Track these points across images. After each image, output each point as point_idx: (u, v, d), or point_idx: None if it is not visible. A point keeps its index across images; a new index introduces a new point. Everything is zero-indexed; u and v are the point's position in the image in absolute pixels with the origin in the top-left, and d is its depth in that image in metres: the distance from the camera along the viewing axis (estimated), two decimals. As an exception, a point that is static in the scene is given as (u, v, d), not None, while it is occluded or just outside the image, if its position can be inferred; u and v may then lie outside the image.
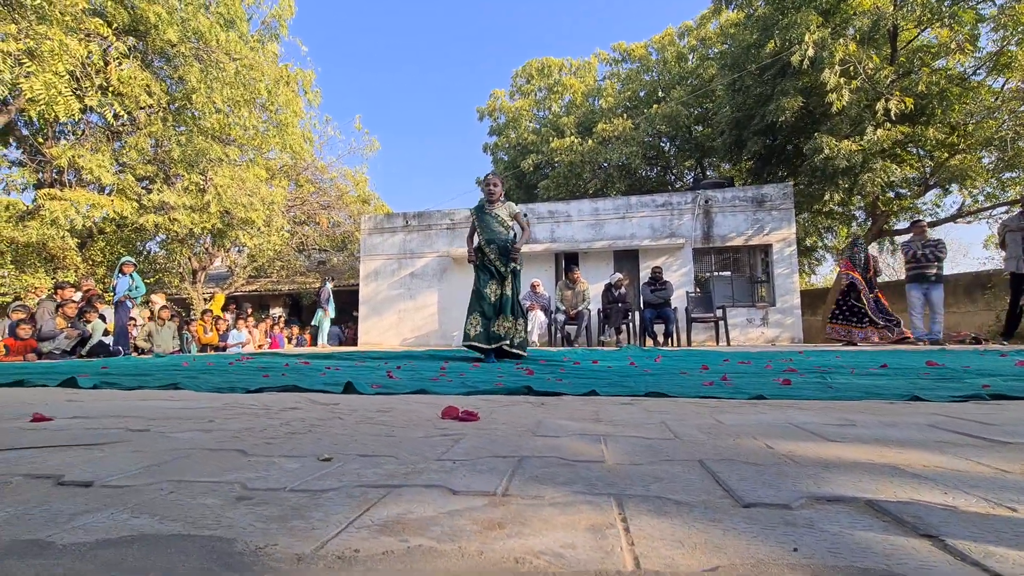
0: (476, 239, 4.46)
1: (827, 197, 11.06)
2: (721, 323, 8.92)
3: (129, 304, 7.40)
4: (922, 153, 12.12)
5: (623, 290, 9.15)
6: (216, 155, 9.98)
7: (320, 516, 0.58)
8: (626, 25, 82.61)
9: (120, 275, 7.54)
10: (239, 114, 10.17)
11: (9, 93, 7.32)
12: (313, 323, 11.34)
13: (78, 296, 7.76)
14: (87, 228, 9.59)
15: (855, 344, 7.21)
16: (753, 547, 0.48)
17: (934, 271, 7.29)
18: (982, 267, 13.70)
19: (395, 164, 71.97)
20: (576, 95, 19.83)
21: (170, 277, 14.07)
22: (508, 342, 4.16)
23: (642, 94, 18.24)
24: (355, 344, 12.86)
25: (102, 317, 7.46)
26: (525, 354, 4.30)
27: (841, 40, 9.81)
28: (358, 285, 12.39)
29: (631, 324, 9.32)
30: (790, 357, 4.43)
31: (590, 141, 15.95)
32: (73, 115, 7.46)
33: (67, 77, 7.13)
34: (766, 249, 10.20)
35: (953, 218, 13.16)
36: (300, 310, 18.39)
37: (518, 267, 4.36)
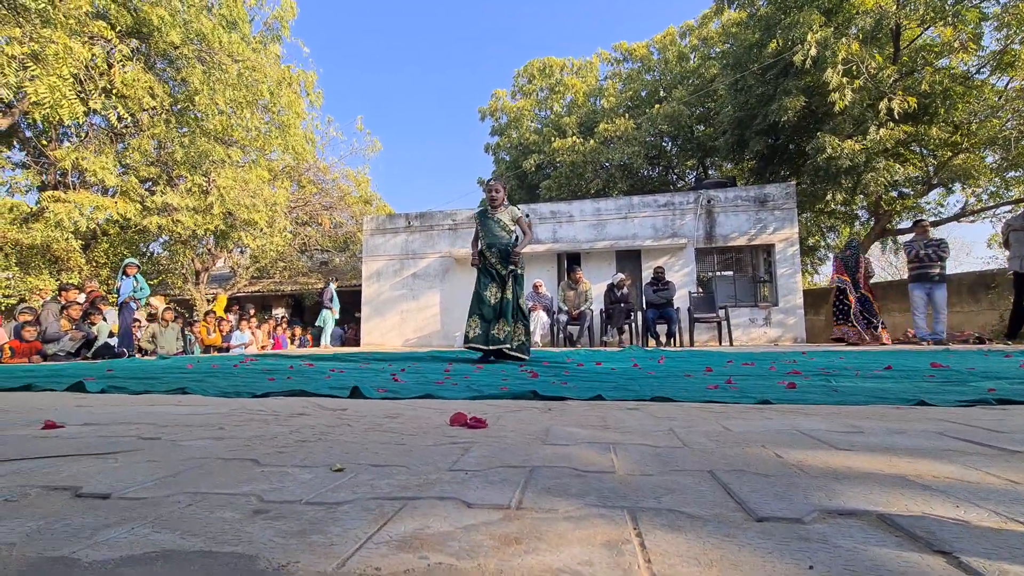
0: (479, 243, 4.51)
1: (830, 197, 11.06)
2: (724, 323, 8.91)
3: (133, 306, 7.42)
4: (925, 152, 12.10)
5: (625, 290, 9.15)
6: (219, 156, 10.01)
7: (338, 531, 0.58)
8: (628, 25, 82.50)
9: (124, 277, 7.56)
10: (241, 115, 10.20)
11: (14, 96, 7.35)
12: (318, 323, 11.37)
13: (82, 298, 7.79)
14: (91, 230, 9.62)
15: (858, 343, 7.40)
16: (769, 564, 0.49)
17: (937, 271, 7.29)
18: (986, 266, 13.66)
19: (397, 165, 72.10)
20: (578, 95, 19.83)
21: (173, 278, 14.11)
22: (508, 345, 4.20)
23: (644, 94, 18.23)
24: (356, 344, 12.89)
25: (104, 319, 7.49)
26: (526, 357, 4.32)
27: (844, 39, 9.79)
28: (360, 285, 12.42)
29: (633, 324, 9.32)
30: (793, 358, 4.43)
31: (592, 141, 15.95)
32: (77, 118, 7.50)
33: (71, 80, 7.16)
34: (768, 249, 10.19)
35: (956, 217, 13.14)
36: (302, 311, 18.43)
37: (518, 271, 4.40)
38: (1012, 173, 11.46)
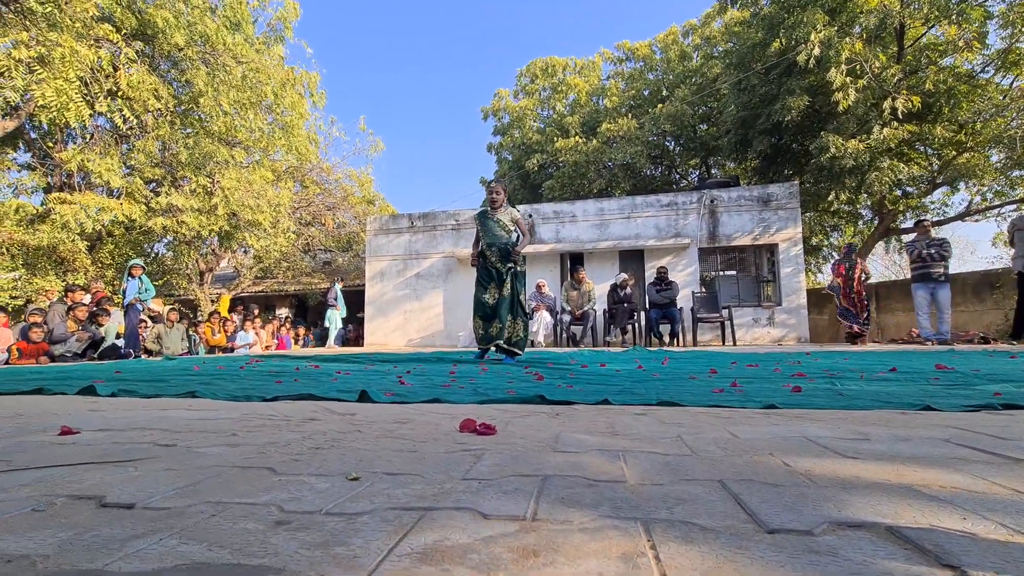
0: (480, 244, 4.63)
1: (833, 196, 11.03)
2: (727, 323, 8.91)
3: (139, 307, 7.47)
4: (929, 151, 12.06)
5: (628, 290, 9.16)
6: (223, 157, 10.05)
7: (360, 543, 0.60)
8: (630, 24, 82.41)
9: (129, 278, 7.61)
10: (245, 116, 10.24)
11: (20, 98, 7.41)
12: (325, 323, 11.43)
13: (87, 299, 7.85)
14: (96, 231, 9.67)
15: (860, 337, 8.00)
16: (781, 578, 0.50)
17: (940, 271, 7.28)
18: (991, 266, 13.61)
19: (398, 165, 72.18)
20: (580, 94, 19.83)
21: (178, 279, 14.17)
22: (504, 339, 4.37)
23: (646, 93, 18.22)
24: (358, 344, 12.92)
25: (110, 319, 7.54)
26: (520, 353, 4.43)
27: (847, 39, 9.77)
28: (363, 285, 12.46)
29: (637, 324, 9.33)
30: (798, 359, 4.43)
31: (594, 141, 15.94)
32: (83, 121, 7.55)
33: (77, 83, 7.21)
34: (772, 249, 10.18)
35: (961, 216, 13.09)
36: (306, 311, 18.49)
37: (517, 268, 4.48)
38: (1017, 172, 11.42)
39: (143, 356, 7.53)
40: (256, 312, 11.74)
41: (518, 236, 4.57)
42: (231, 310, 12.29)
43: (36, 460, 1.06)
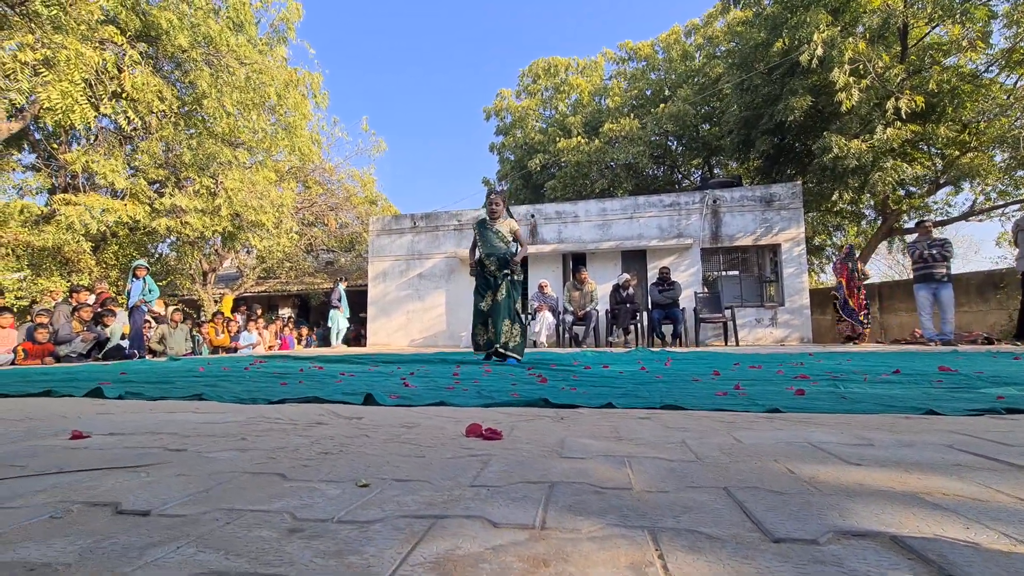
0: (477, 252, 4.78)
1: (836, 196, 11.01)
2: (730, 323, 8.91)
3: (144, 308, 7.50)
4: (933, 151, 12.02)
5: (631, 290, 9.16)
6: (226, 158, 10.09)
7: (373, 551, 0.61)
8: (632, 24, 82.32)
9: (134, 279, 7.64)
10: (248, 117, 10.27)
11: (25, 100, 7.45)
12: (328, 324, 11.45)
13: (91, 299, 7.88)
14: (101, 232, 9.72)
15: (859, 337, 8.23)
16: (788, 588, 0.51)
17: (942, 271, 7.28)
18: (995, 266, 13.57)
19: (400, 165, 72.25)
20: (583, 94, 19.82)
21: (181, 279, 14.23)
22: (499, 344, 4.46)
23: (649, 93, 18.21)
24: (358, 343, 12.94)
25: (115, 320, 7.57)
26: (520, 357, 4.52)
27: (851, 39, 9.76)
28: (365, 286, 12.49)
29: (639, 325, 9.33)
30: (801, 360, 4.43)
31: (597, 141, 15.94)
32: (88, 123, 7.58)
33: (83, 85, 7.24)
34: (775, 249, 10.18)
35: (965, 216, 13.05)
36: (308, 311, 18.54)
37: (513, 276, 4.60)
38: (1021, 172, 11.38)
39: (147, 357, 7.57)
40: (259, 312, 11.78)
41: (515, 246, 4.73)
42: (234, 310, 12.33)
43: (49, 465, 1.07)
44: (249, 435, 1.40)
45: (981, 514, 0.72)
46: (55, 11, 6.77)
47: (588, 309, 9.04)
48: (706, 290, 10.01)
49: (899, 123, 9.95)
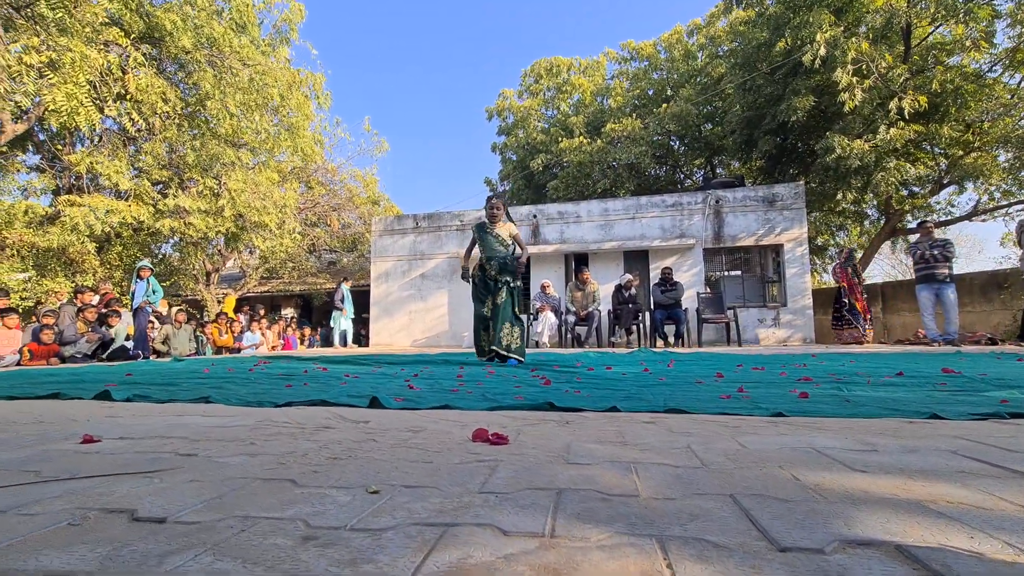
0: (478, 255, 4.82)
1: (839, 196, 11.00)
2: (732, 324, 8.91)
3: (148, 309, 7.54)
4: (936, 151, 11.99)
5: (633, 291, 9.17)
6: (229, 159, 10.12)
7: (387, 560, 0.62)
8: (633, 24, 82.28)
9: (138, 280, 7.68)
10: (251, 118, 10.30)
11: (31, 103, 7.49)
12: (331, 324, 11.48)
13: (96, 300, 7.92)
14: (105, 233, 9.76)
15: (859, 341, 8.22)
16: (795, 599, 0.52)
17: (944, 271, 7.27)
18: (999, 266, 13.53)
19: (401, 165, 72.31)
20: (585, 94, 19.81)
21: (184, 279, 14.28)
22: (504, 347, 4.51)
23: (651, 93, 18.19)
24: (359, 344, 12.95)
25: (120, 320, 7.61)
26: (522, 359, 4.55)
27: (853, 39, 9.73)
28: (367, 286, 12.52)
29: (642, 325, 9.33)
30: (804, 362, 4.43)
31: (599, 141, 15.94)
32: (93, 125, 7.62)
33: (87, 87, 7.28)
34: (777, 249, 10.17)
35: (969, 216, 13.01)
36: (311, 311, 18.58)
37: (512, 283, 4.65)
38: (1025, 171, 11.34)
39: (152, 357, 7.60)
40: (262, 313, 11.81)
41: (514, 249, 4.80)
42: (237, 310, 12.37)
43: (63, 471, 1.09)
44: (258, 439, 1.41)
45: (985, 523, 0.73)
46: (60, 14, 6.80)
47: (590, 309, 9.04)
48: (708, 290, 10.01)
49: (902, 123, 9.93)
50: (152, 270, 7.95)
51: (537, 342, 9.00)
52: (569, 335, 9.21)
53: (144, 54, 8.63)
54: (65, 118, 7.09)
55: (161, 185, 11.06)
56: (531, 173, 18.19)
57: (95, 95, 7.71)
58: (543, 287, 9.68)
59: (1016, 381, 2.63)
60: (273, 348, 10.69)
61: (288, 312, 17.32)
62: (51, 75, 6.91)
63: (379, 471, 1.06)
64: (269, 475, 1.03)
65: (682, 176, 19.19)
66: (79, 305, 7.42)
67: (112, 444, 1.38)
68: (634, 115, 16.31)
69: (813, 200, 12.56)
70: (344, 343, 11.20)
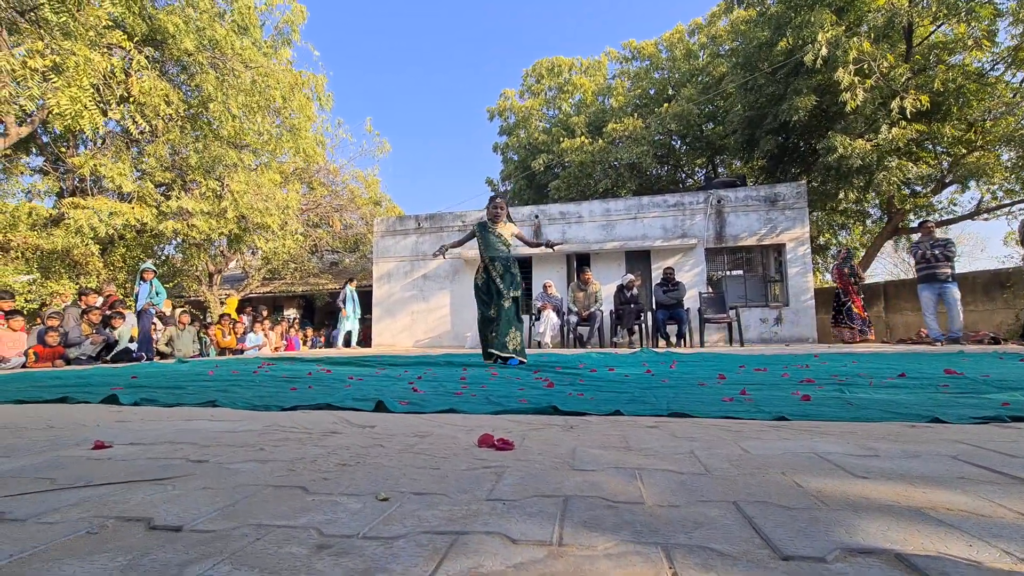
0: (480, 255, 4.83)
1: (841, 196, 10.99)
2: (734, 324, 8.91)
3: (152, 311, 7.57)
4: (939, 150, 11.98)
5: (635, 291, 9.18)
6: (232, 161, 10.16)
7: (400, 569, 0.64)
8: (634, 25, 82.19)
9: (141, 282, 7.71)
10: (253, 120, 10.33)
11: (35, 106, 7.52)
12: (339, 326, 11.52)
13: (99, 302, 7.96)
14: (108, 235, 9.81)
15: (855, 340, 8.37)
16: (797, 608, 0.54)
17: (946, 271, 7.26)
18: (1001, 265, 13.51)
19: (404, 166, 72.41)
20: (586, 94, 19.82)
21: (187, 280, 14.32)
22: (505, 352, 4.55)
23: (652, 92, 18.19)
24: (359, 345, 12.98)
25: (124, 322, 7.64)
26: (524, 359, 4.59)
27: (855, 38, 9.72)
28: (370, 286, 12.55)
29: (643, 325, 9.34)
30: (806, 362, 4.44)
31: (600, 140, 15.94)
32: (97, 128, 7.66)
33: (91, 91, 7.31)
34: (779, 248, 10.17)
35: (972, 215, 12.99)
36: (313, 311, 18.62)
37: (516, 291, 4.70)
38: (1028, 170, 11.32)
39: (155, 359, 7.64)
40: (265, 314, 11.85)
41: (516, 250, 4.92)
42: (240, 311, 12.42)
43: (78, 478, 1.11)
44: (266, 445, 1.43)
45: (984, 531, 0.74)
46: (64, 18, 6.83)
47: (592, 310, 9.06)
48: (710, 290, 10.01)
49: (904, 122, 9.92)
50: (155, 272, 7.99)
51: (539, 342, 9.02)
52: (571, 335, 9.22)
53: (147, 57, 8.67)
54: (69, 121, 7.13)
55: (164, 187, 11.10)
56: (532, 173, 18.20)
57: (99, 98, 7.74)
58: (545, 287, 9.70)
59: (1018, 383, 2.64)
60: (276, 349, 10.73)
61: (291, 313, 17.38)
62: (55, 79, 6.94)
63: (388, 478, 1.07)
64: (280, 482, 1.05)
65: (684, 176, 19.18)
66: (83, 307, 7.45)
67: (123, 450, 1.40)
68: (635, 115, 16.31)
69: (815, 199, 12.55)
70: (348, 344, 11.23)
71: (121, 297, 9.02)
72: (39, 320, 7.57)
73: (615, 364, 4.70)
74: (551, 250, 4.81)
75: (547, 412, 1.96)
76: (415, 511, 0.86)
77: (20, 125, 8.74)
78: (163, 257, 14.04)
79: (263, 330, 10.62)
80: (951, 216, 13.87)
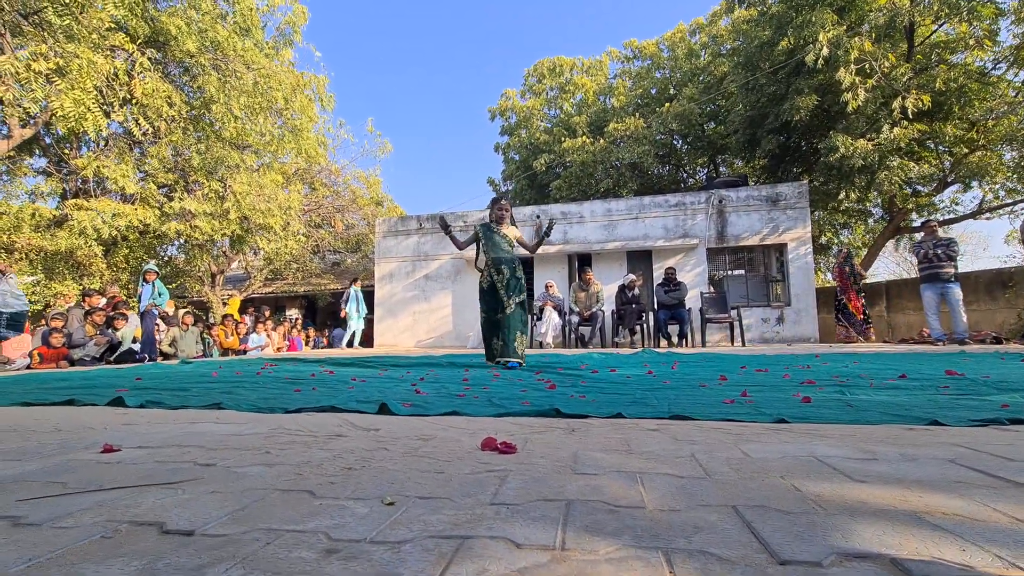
0: (483, 255, 4.82)
1: (843, 195, 10.98)
2: (736, 323, 8.92)
3: (155, 312, 7.60)
4: (941, 150, 11.96)
5: (637, 291, 9.19)
6: (234, 162, 10.19)
7: (408, 574, 0.66)
8: (635, 25, 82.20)
9: (144, 283, 7.75)
10: (255, 121, 10.37)
11: (38, 108, 7.56)
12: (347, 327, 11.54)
13: (103, 302, 8.00)
14: (112, 236, 9.86)
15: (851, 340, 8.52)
16: (793, 612, 0.56)
17: (949, 271, 7.25)
18: (1004, 264, 13.48)
19: (404, 166, 72.45)
20: (588, 94, 19.82)
21: (190, 281, 14.37)
22: (510, 358, 4.53)
23: (654, 92, 18.19)
24: (360, 345, 13.01)
25: (127, 323, 7.68)
26: (522, 361, 4.57)
27: (856, 38, 9.71)
28: (372, 286, 12.57)
29: (645, 325, 9.35)
30: (807, 363, 4.45)
31: (602, 140, 15.94)
32: (100, 130, 7.70)
33: (95, 93, 7.35)
34: (781, 248, 10.17)
35: (974, 214, 12.97)
36: (315, 312, 18.66)
37: (521, 295, 4.70)
38: (1030, 169, 11.30)
39: (159, 360, 7.67)
40: (267, 314, 11.89)
41: (518, 251, 4.86)
42: (242, 312, 12.45)
43: (89, 482, 1.13)
44: (273, 448, 1.45)
45: (978, 535, 0.76)
46: (67, 21, 6.87)
47: (594, 310, 9.07)
48: (712, 290, 10.02)
49: (906, 122, 9.91)
50: (157, 273, 8.02)
51: (541, 343, 9.04)
52: (573, 335, 9.24)
53: (149, 59, 8.70)
54: (73, 123, 7.17)
55: (167, 188, 11.14)
56: (534, 173, 18.21)
57: (102, 100, 7.78)
58: (547, 287, 9.71)
59: (1018, 384, 2.65)
60: (278, 349, 10.76)
61: (293, 313, 17.42)
62: (59, 81, 6.98)
63: (393, 481, 1.09)
64: (287, 486, 1.07)
65: (685, 175, 19.18)
66: (87, 308, 7.49)
67: (131, 454, 1.42)
68: (637, 114, 16.31)
69: (817, 199, 12.55)
70: (351, 344, 11.26)
71: (124, 298, 9.06)
72: (43, 321, 7.60)
73: (617, 365, 4.72)
74: (548, 236, 4.76)
75: (549, 415, 1.97)
76: (421, 515, 0.88)
77: (24, 127, 8.78)
78: (166, 258, 14.09)
79: (265, 330, 10.65)
80: (953, 215, 13.85)
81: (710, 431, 1.63)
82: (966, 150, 11.33)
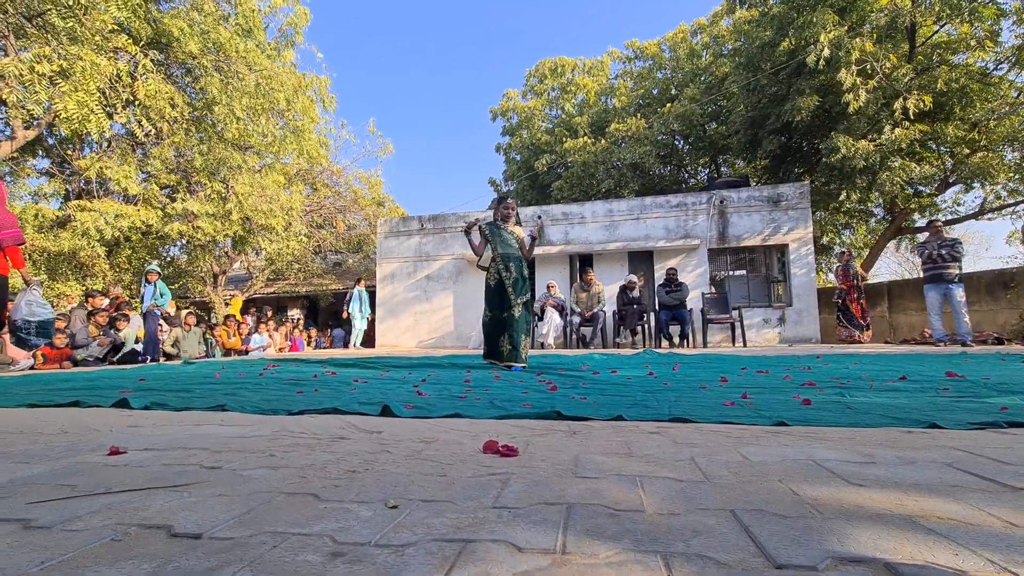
0: (488, 253, 4.84)
1: (844, 196, 10.98)
2: (737, 324, 8.93)
3: (157, 312, 7.63)
4: (942, 150, 11.95)
5: (638, 291, 9.20)
6: (236, 163, 10.22)
7: (412, 577, 0.67)
8: (635, 26, 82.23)
9: (146, 284, 7.78)
10: (257, 122, 10.40)
11: (42, 110, 7.60)
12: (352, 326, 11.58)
13: (106, 303, 8.03)
14: (114, 237, 9.90)
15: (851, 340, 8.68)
16: (788, 615, 0.57)
17: (953, 272, 7.24)
18: (1005, 264, 13.46)
19: (406, 167, 72.58)
20: (589, 94, 19.83)
21: (192, 281, 14.41)
22: (517, 359, 4.55)
23: (655, 92, 18.20)
24: (362, 345, 13.03)
25: (129, 324, 7.71)
26: (524, 364, 4.59)
27: (858, 38, 9.71)
28: (374, 287, 12.60)
29: (646, 326, 9.37)
30: (808, 364, 4.46)
31: (603, 141, 15.95)
32: (104, 131, 7.73)
33: (98, 95, 7.38)
34: (782, 249, 10.17)
35: (975, 215, 12.96)
36: (316, 312, 18.70)
37: (526, 296, 4.72)
38: (1032, 170, 11.29)
39: (162, 360, 7.70)
40: (269, 314, 11.92)
41: (521, 250, 4.89)
42: (244, 312, 12.49)
43: (97, 484, 1.14)
44: (277, 451, 1.47)
45: (971, 539, 0.77)
46: (71, 23, 6.90)
47: (595, 310, 9.09)
48: (713, 291, 10.03)
49: (907, 123, 9.91)
50: (160, 274, 8.05)
51: (543, 343, 9.05)
52: (574, 336, 9.25)
53: (152, 60, 8.73)
54: (76, 125, 7.20)
55: (169, 189, 11.18)
56: (535, 173, 18.23)
57: (105, 102, 7.82)
58: (548, 287, 9.73)
59: (1018, 386, 2.66)
60: (280, 350, 10.79)
61: (294, 313, 17.45)
62: (62, 83, 7.02)
63: (396, 485, 1.11)
64: (292, 489, 1.08)
65: (686, 176, 19.18)
66: (90, 309, 7.52)
67: (138, 456, 1.44)
68: (638, 115, 16.32)
69: (818, 200, 12.54)
70: (344, 344, 11.29)
71: (127, 299, 9.09)
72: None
73: (618, 366, 4.73)
74: (536, 241, 4.81)
75: (550, 417, 1.99)
76: (424, 519, 0.89)
77: (27, 129, 8.82)
78: (168, 259, 14.13)
79: (267, 331, 10.68)
80: (955, 216, 13.84)
81: (710, 434, 1.65)
82: (967, 151, 11.33)
